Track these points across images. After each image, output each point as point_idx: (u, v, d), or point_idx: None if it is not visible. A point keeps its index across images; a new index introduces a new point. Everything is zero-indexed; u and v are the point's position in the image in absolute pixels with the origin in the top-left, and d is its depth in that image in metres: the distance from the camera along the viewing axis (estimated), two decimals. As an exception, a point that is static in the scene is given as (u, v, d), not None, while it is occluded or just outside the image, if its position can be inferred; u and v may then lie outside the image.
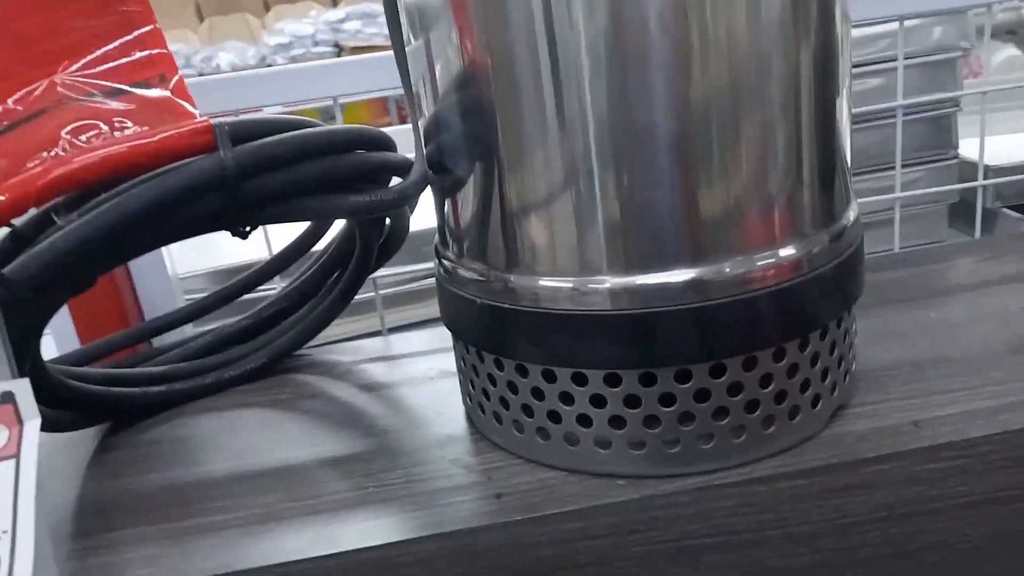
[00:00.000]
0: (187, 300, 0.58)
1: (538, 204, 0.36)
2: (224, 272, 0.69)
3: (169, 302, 0.59)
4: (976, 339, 0.46)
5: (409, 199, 0.41)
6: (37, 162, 0.32)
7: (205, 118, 0.34)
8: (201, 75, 2.53)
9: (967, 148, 0.72)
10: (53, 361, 0.49)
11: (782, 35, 0.34)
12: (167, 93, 0.34)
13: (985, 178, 0.69)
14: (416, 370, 0.52)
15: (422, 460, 0.41)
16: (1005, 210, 0.70)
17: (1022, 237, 0.67)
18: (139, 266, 0.57)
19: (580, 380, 0.36)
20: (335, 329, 0.57)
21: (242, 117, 0.35)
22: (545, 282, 0.36)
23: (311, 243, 0.52)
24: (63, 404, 0.45)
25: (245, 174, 0.34)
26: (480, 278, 0.39)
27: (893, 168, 0.70)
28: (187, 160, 0.33)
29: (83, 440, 0.48)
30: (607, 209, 0.34)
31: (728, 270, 0.35)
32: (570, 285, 0.36)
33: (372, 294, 0.66)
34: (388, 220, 0.49)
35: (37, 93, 0.33)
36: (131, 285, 0.58)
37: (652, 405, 0.36)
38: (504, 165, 0.36)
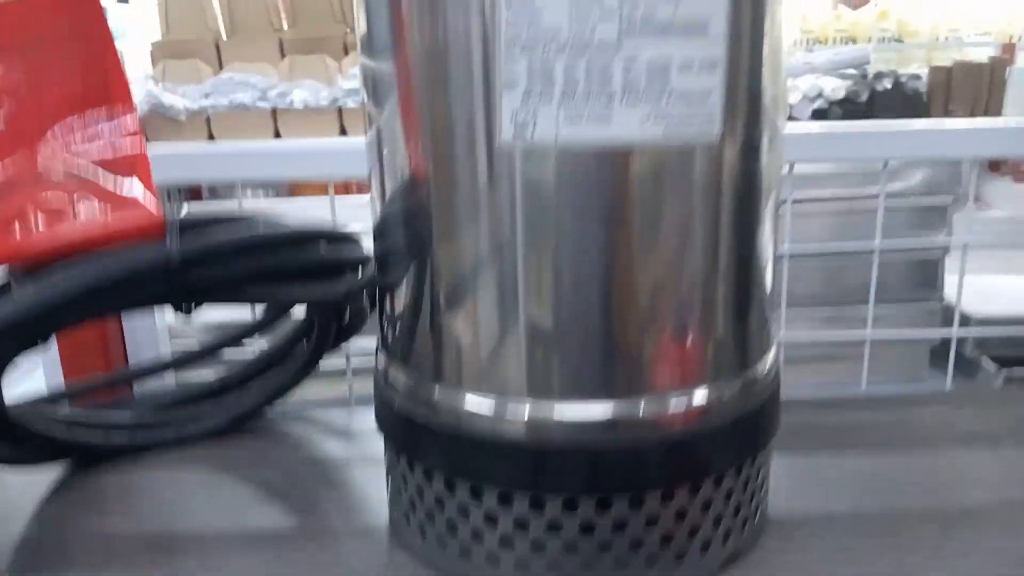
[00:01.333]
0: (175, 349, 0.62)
1: (462, 326, 0.38)
2: (216, 327, 0.72)
3: (153, 349, 0.62)
4: (901, 499, 0.46)
5: (354, 296, 0.43)
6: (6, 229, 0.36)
7: (159, 208, 0.37)
8: (275, 109, 2.63)
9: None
10: (30, 401, 0.52)
11: (701, 195, 0.36)
12: (132, 179, 0.37)
13: (966, 326, 0.69)
14: (366, 449, 0.54)
15: (333, 548, 0.43)
16: (985, 359, 0.70)
17: (989, 393, 0.67)
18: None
19: (476, 494, 0.38)
20: (316, 389, 0.59)
21: (196, 211, 0.38)
22: (458, 397, 0.38)
23: (286, 309, 0.55)
24: (20, 441, 0.48)
25: (189, 264, 0.37)
26: (402, 380, 0.41)
27: (880, 303, 0.70)
28: (138, 246, 0.36)
29: (42, 477, 0.51)
30: (523, 339, 0.36)
31: (626, 412, 0.36)
32: (480, 405, 0.38)
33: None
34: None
35: (15, 165, 0.36)
36: (120, 327, 0.61)
37: (540, 530, 0.37)
38: (437, 287, 0.38)
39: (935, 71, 3.01)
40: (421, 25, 0.35)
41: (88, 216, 0.36)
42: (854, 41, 5.43)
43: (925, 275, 0.71)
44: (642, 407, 0.37)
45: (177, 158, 0.60)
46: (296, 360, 0.54)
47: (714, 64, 0.34)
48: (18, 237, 0.36)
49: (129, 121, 0.38)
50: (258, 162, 0.58)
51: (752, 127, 0.37)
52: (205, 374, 0.59)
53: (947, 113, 2.89)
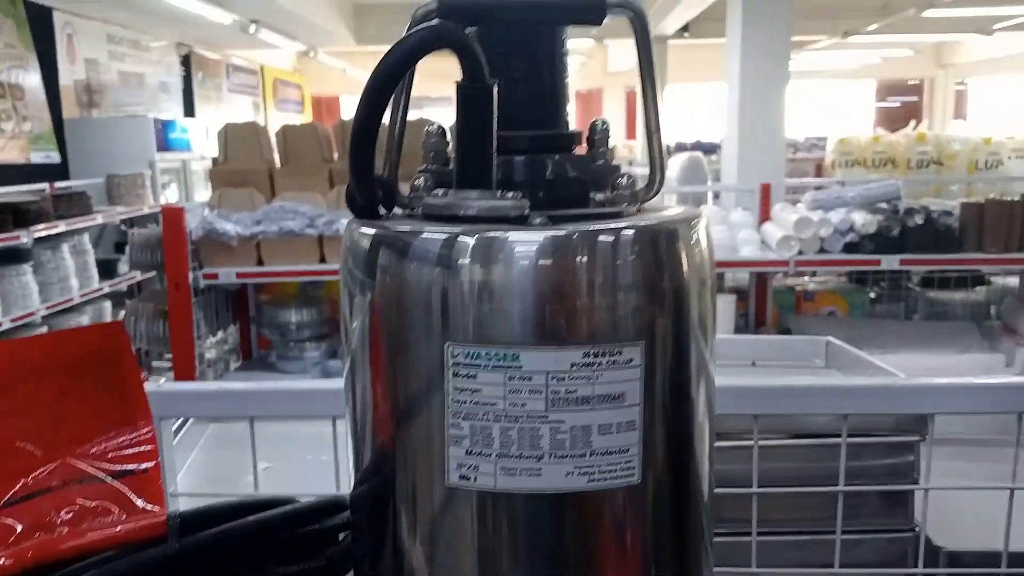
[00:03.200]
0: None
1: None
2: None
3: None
4: None
5: (333, 568, 0.49)
6: (40, 532, 0.43)
7: (162, 513, 0.43)
8: (321, 236, 2.76)
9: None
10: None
11: (629, 523, 0.42)
12: (140, 500, 0.44)
13: (937, 557, 0.72)
14: None
15: None
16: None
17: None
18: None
19: None
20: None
21: (198, 507, 0.45)
22: None
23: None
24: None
25: (187, 557, 0.43)
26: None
27: (856, 532, 0.74)
28: (144, 546, 0.43)
29: None
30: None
31: None
32: None
33: None
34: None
35: (46, 474, 0.44)
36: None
37: None
38: (397, 540, 0.44)
39: (967, 207, 3.04)
40: (393, 377, 0.42)
41: (104, 521, 0.43)
42: (893, 163, 5.50)
43: (896, 507, 0.74)
44: None
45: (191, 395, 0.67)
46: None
47: (631, 425, 0.40)
48: (44, 539, 0.42)
49: (147, 439, 0.45)
50: (259, 401, 0.65)
51: (677, 458, 0.43)
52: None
53: (979, 248, 2.92)
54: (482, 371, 0.39)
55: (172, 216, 2.63)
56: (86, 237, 4.41)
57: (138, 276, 4.06)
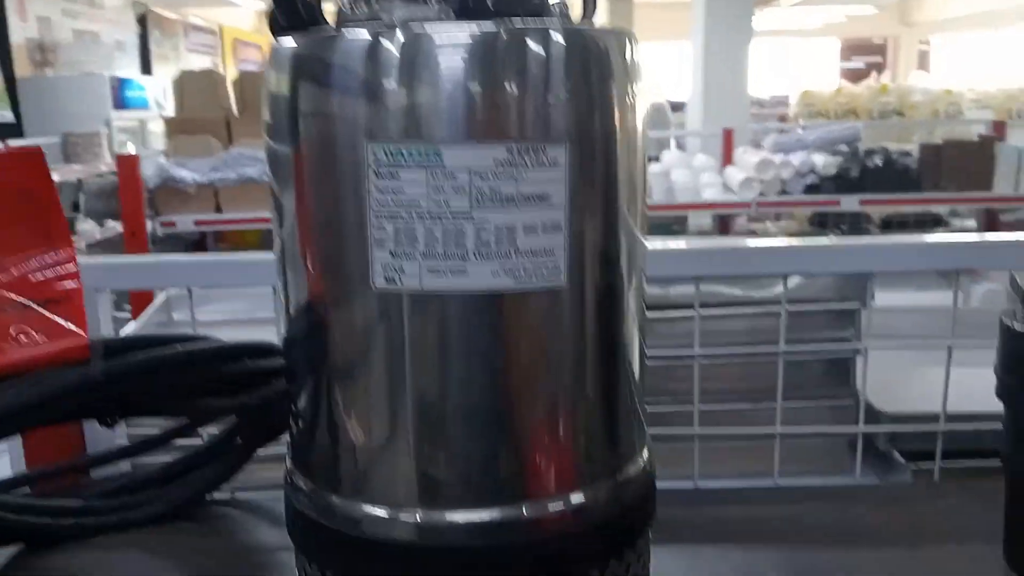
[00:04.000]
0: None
1: (352, 441, 0.43)
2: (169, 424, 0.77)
3: (109, 438, 0.68)
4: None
5: (267, 406, 0.49)
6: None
7: (85, 336, 0.43)
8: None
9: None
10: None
11: (567, 337, 0.42)
12: (67, 312, 0.44)
13: (879, 422, 0.74)
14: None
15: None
16: (896, 454, 0.74)
17: (896, 487, 0.71)
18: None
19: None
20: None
21: (121, 335, 0.44)
22: (349, 505, 0.43)
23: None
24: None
25: (112, 383, 0.43)
26: (304, 486, 0.46)
27: (800, 399, 0.75)
28: (67, 368, 0.42)
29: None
30: (409, 452, 0.42)
31: (497, 517, 0.42)
32: (365, 511, 0.43)
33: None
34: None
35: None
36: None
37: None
38: (332, 403, 0.43)
39: (925, 148, 3.08)
40: (315, 186, 0.41)
41: (26, 343, 0.42)
42: (855, 114, 5.55)
43: (838, 372, 0.75)
44: (519, 510, 0.42)
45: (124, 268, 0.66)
46: (232, 452, 0.60)
47: (556, 225, 0.40)
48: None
49: (68, 262, 0.44)
50: (197, 271, 0.64)
51: (603, 264, 0.43)
52: (157, 461, 0.64)
53: (937, 189, 2.96)
54: (404, 170, 0.39)
55: (127, 163, 2.58)
56: (42, 196, 4.30)
57: (97, 235, 4.01)
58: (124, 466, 0.68)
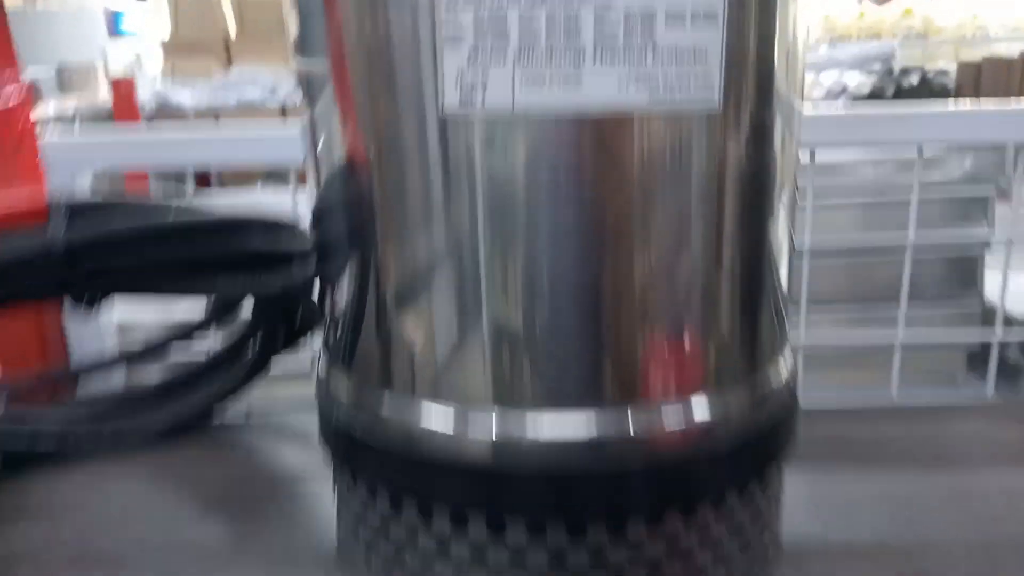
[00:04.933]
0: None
1: (413, 325, 0.32)
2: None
3: (98, 345, 0.57)
4: (931, 527, 0.40)
5: (290, 290, 0.37)
6: None
7: (45, 195, 0.31)
8: (284, 106, 2.58)
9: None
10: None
11: (699, 178, 0.30)
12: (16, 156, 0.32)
13: (1009, 327, 0.62)
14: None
15: (270, 569, 0.37)
16: (1030, 369, 0.63)
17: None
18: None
19: (426, 515, 0.32)
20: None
21: (87, 197, 0.32)
22: (409, 406, 0.32)
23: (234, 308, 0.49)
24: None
25: (75, 254, 0.31)
26: (345, 387, 0.34)
27: (914, 304, 0.63)
28: (24, 232, 0.31)
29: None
30: (485, 341, 0.30)
31: (607, 426, 0.30)
32: (434, 413, 0.31)
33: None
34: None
35: None
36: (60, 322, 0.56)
37: (501, 556, 0.31)
38: (383, 281, 0.32)
39: (963, 67, 2.91)
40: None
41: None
42: (879, 38, 5.33)
43: (964, 273, 0.64)
44: (626, 421, 0.30)
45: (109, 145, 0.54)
46: (244, 362, 0.48)
47: (712, 15, 0.27)
48: None
49: (13, 88, 0.32)
50: (199, 149, 0.52)
51: (760, 96, 0.30)
52: (152, 375, 0.53)
53: (977, 108, 2.80)
54: (491, -75, 0.26)
55: (122, 88, 2.44)
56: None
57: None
58: (116, 381, 0.57)
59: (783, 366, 0.35)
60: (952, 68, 2.97)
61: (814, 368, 0.61)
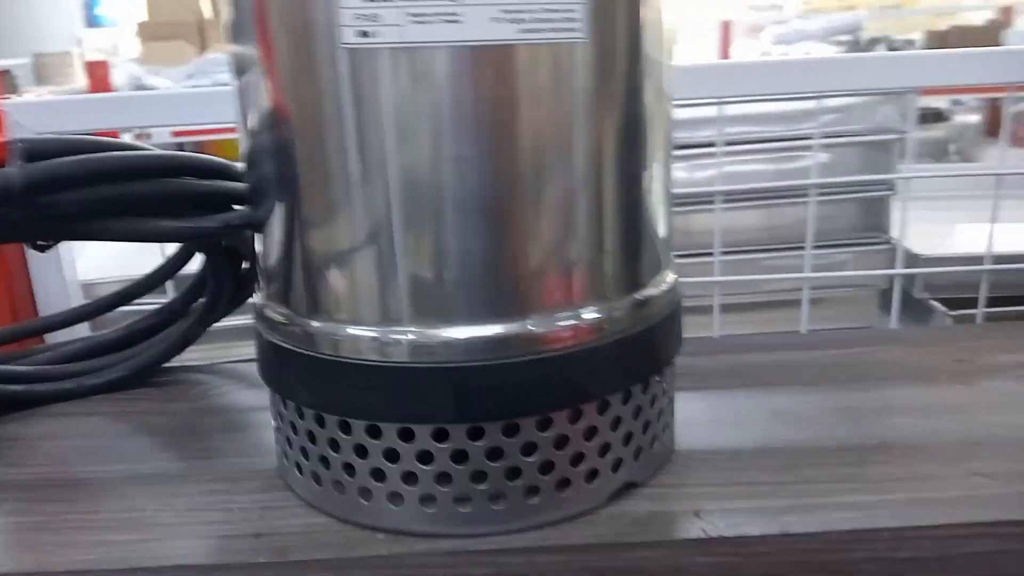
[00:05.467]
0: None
1: (337, 252, 0.36)
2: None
3: (64, 302, 0.61)
4: (810, 433, 0.44)
5: (230, 229, 0.41)
6: None
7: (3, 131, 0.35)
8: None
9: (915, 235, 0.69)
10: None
11: (585, 108, 0.34)
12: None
13: (915, 267, 0.67)
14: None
15: (212, 491, 0.41)
16: (933, 302, 0.67)
17: (933, 332, 0.64)
18: (38, 265, 0.59)
19: (345, 428, 0.36)
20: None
21: (45, 136, 0.36)
22: (327, 326, 0.36)
23: (183, 262, 0.53)
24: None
25: (33, 190, 0.35)
26: (277, 317, 0.39)
27: (830, 246, 0.68)
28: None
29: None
30: (398, 265, 0.34)
31: (495, 332, 0.35)
32: (343, 330, 0.36)
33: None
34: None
35: None
36: (28, 283, 0.60)
37: (411, 462, 0.36)
38: (305, 213, 0.36)
39: (931, 35, 2.96)
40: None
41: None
42: (854, 10, 5.36)
43: (872, 217, 0.68)
44: (524, 328, 0.35)
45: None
46: (197, 312, 0.53)
47: (569, -44, 0.32)
48: None
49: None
50: (139, 109, 0.56)
51: (632, 29, 0.35)
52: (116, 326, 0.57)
53: (943, 78, 2.86)
54: None
55: (96, 70, 2.45)
56: (14, 118, 4.15)
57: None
58: (82, 333, 0.61)
59: (664, 285, 0.40)
60: (919, 37, 3.02)
61: (733, 310, 0.66)
